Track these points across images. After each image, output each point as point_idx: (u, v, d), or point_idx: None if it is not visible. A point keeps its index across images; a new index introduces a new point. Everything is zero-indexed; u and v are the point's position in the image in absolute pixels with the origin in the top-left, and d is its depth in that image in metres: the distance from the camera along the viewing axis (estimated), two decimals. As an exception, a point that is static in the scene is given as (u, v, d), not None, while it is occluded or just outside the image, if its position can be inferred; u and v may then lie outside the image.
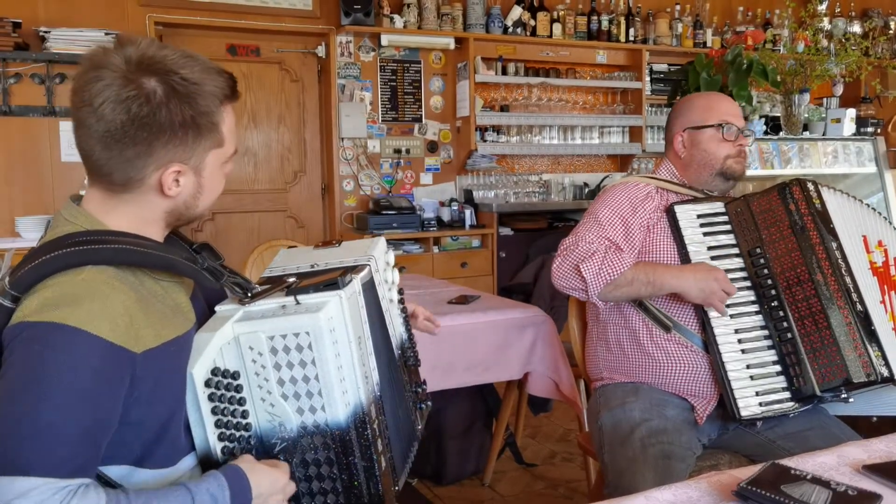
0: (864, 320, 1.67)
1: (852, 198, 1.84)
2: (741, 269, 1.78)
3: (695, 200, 1.86)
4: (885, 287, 1.76)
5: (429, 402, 1.40)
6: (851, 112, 4.14)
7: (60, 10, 4.29)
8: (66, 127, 4.32)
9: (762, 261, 1.76)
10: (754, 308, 1.75)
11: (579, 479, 2.93)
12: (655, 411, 1.71)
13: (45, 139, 4.29)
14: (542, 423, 3.60)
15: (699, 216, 1.83)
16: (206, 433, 1.08)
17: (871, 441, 1.27)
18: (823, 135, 4.11)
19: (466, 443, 2.92)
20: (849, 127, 4.10)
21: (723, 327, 1.73)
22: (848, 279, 1.70)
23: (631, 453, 1.65)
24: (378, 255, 1.34)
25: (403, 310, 1.45)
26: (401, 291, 1.42)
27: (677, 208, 1.82)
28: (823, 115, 4.15)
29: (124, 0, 4.45)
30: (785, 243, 1.75)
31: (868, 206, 1.86)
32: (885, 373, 1.64)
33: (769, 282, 1.74)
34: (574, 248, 1.75)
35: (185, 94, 1.03)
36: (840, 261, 1.72)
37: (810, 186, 1.81)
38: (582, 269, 1.71)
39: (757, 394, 1.69)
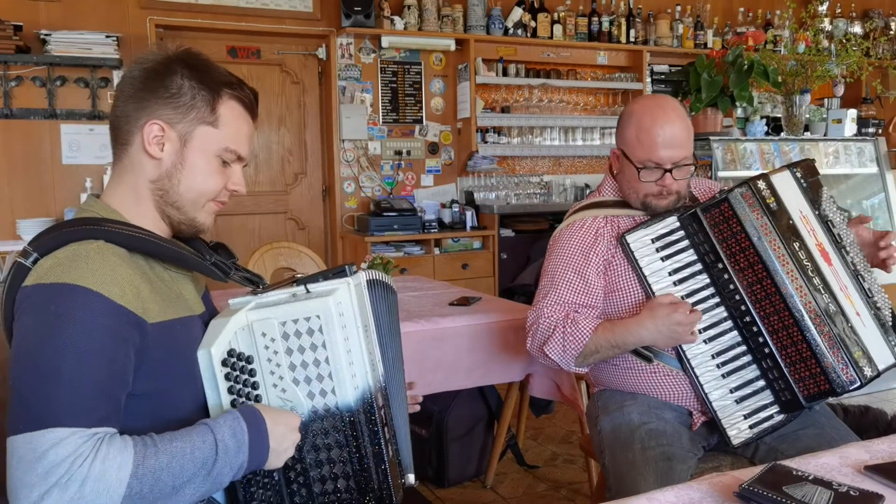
0: (842, 322, 1.59)
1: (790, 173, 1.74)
2: (709, 286, 1.69)
3: (646, 223, 1.74)
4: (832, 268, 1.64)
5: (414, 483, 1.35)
6: (852, 112, 4.15)
7: (61, 13, 4.30)
8: (66, 129, 4.33)
9: (726, 276, 1.66)
10: (728, 325, 1.68)
11: (581, 481, 2.93)
12: (654, 414, 1.71)
13: (46, 142, 4.30)
14: (544, 424, 3.60)
15: (654, 240, 1.72)
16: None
17: (873, 442, 1.27)
18: (824, 135, 4.11)
19: (468, 445, 2.92)
20: (850, 127, 4.10)
21: (700, 356, 1.68)
22: (817, 280, 1.61)
23: (631, 456, 1.64)
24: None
25: None
26: None
27: (629, 238, 1.72)
28: (824, 116, 4.16)
29: (125, 3, 4.46)
30: (745, 255, 1.64)
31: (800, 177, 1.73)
32: (870, 373, 1.58)
33: (738, 297, 1.65)
34: (536, 329, 1.75)
35: (192, 66, 1.16)
36: (805, 261, 1.62)
37: (761, 185, 1.68)
38: (547, 352, 1.71)
39: (745, 417, 1.65)
